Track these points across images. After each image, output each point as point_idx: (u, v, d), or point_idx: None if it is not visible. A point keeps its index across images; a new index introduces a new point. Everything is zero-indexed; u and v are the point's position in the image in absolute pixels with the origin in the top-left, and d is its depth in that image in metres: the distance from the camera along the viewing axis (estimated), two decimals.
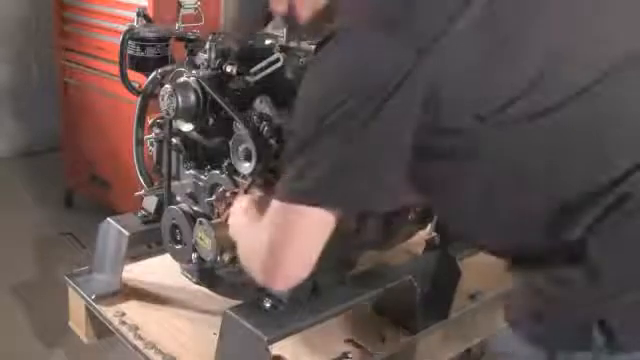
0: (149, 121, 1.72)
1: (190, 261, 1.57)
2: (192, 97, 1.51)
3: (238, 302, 1.51)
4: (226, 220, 1.42)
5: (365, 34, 1.02)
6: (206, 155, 1.62)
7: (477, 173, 1.05)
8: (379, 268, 1.67)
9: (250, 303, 1.44)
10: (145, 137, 1.74)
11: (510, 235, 1.09)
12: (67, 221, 3.64)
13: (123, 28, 1.75)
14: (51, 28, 3.67)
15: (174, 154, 1.68)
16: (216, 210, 1.54)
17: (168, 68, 1.67)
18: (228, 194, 1.51)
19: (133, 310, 1.67)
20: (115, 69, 1.80)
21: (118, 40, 1.73)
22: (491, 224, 1.11)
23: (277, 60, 1.41)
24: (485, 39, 1.01)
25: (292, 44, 1.50)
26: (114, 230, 1.75)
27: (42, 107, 4.28)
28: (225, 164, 1.53)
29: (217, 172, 1.56)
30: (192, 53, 1.60)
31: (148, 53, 1.73)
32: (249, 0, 1.29)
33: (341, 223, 1.10)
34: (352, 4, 1.07)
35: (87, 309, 1.73)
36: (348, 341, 1.58)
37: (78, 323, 1.78)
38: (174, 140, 1.65)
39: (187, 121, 1.54)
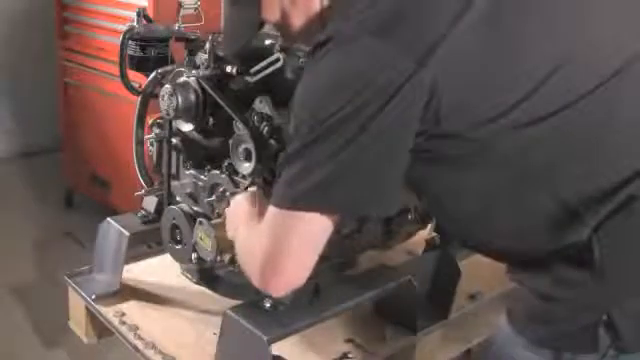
0: (149, 121, 1.72)
1: (190, 261, 1.57)
2: (192, 97, 1.51)
3: (238, 302, 1.51)
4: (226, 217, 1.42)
5: (362, 40, 1.00)
6: (206, 155, 1.62)
7: (478, 178, 1.04)
8: (379, 268, 1.66)
9: (250, 303, 1.44)
10: (145, 137, 1.74)
11: (512, 238, 1.09)
12: (67, 221, 3.65)
13: (123, 28, 1.75)
14: (51, 28, 3.67)
15: (174, 154, 1.68)
16: (216, 210, 1.54)
17: (168, 68, 1.67)
18: (228, 194, 1.51)
19: (133, 310, 1.67)
20: (115, 69, 1.80)
21: (118, 40, 1.73)
22: (493, 228, 1.10)
23: (277, 60, 1.41)
24: (485, 44, 1.01)
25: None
26: (114, 230, 1.75)
27: (42, 107, 4.28)
28: (225, 164, 1.53)
29: (217, 172, 1.56)
30: (192, 53, 1.60)
31: (148, 53, 1.73)
32: (241, 10, 1.27)
33: (340, 225, 1.09)
34: (347, 10, 1.05)
35: (87, 309, 1.72)
36: (348, 341, 1.58)
37: (78, 323, 1.78)
38: (174, 140, 1.65)
39: (187, 121, 1.54)
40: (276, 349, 1.36)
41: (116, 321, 1.63)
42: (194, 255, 1.54)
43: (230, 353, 1.43)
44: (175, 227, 1.61)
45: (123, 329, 1.61)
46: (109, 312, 1.66)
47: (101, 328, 1.72)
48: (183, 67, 1.58)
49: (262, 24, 1.33)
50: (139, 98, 1.73)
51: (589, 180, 1.01)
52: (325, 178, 1.01)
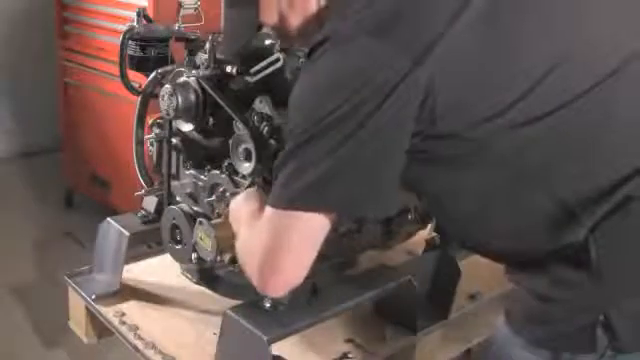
0: (149, 121, 1.72)
1: (190, 261, 1.57)
2: (192, 97, 1.51)
3: (238, 302, 1.51)
4: (226, 219, 1.42)
5: (359, 39, 1.00)
6: (206, 155, 1.62)
7: (474, 178, 1.04)
8: (379, 268, 1.66)
9: (250, 303, 1.44)
10: (145, 137, 1.74)
11: (510, 239, 1.09)
12: (67, 221, 3.65)
13: (123, 28, 1.75)
14: (51, 28, 3.67)
15: (174, 154, 1.68)
16: (216, 210, 1.54)
17: (168, 68, 1.67)
18: (228, 194, 1.51)
19: (133, 310, 1.67)
20: (115, 69, 1.80)
21: (118, 40, 1.73)
22: (490, 228, 1.10)
23: (277, 60, 1.41)
24: (483, 43, 1.01)
25: None
26: (114, 230, 1.75)
27: (42, 107, 4.28)
28: (225, 164, 1.53)
29: (217, 172, 1.56)
30: (192, 53, 1.60)
31: (148, 53, 1.73)
32: (239, 13, 1.27)
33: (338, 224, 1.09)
34: (344, 10, 1.05)
35: (87, 309, 1.72)
36: (348, 341, 1.58)
37: (78, 323, 1.78)
38: (174, 140, 1.65)
39: (187, 121, 1.54)
40: (276, 349, 1.36)
41: (116, 321, 1.63)
42: (194, 255, 1.54)
43: (230, 353, 1.43)
44: (175, 227, 1.61)
45: (123, 329, 1.61)
46: (109, 312, 1.66)
47: (101, 328, 1.72)
48: (183, 67, 1.58)
49: (260, 27, 1.33)
50: (139, 98, 1.73)
51: (585, 180, 1.01)
52: (322, 176, 1.01)
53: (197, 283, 1.70)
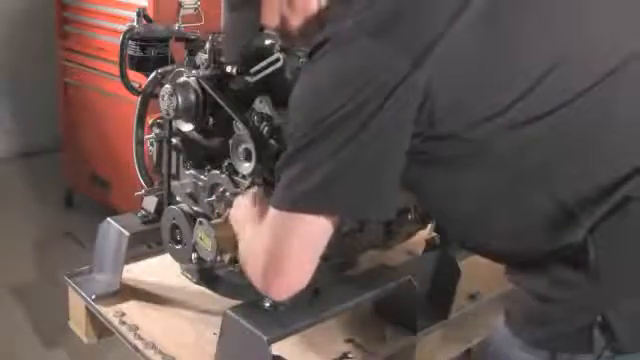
0: (149, 121, 1.72)
1: (190, 261, 1.57)
2: (192, 97, 1.51)
3: (238, 302, 1.51)
4: (226, 219, 1.42)
5: (360, 40, 1.00)
6: (206, 155, 1.62)
7: (474, 178, 1.04)
8: (379, 268, 1.67)
9: (250, 303, 1.44)
10: (145, 137, 1.74)
11: (509, 239, 1.09)
12: (67, 221, 3.65)
13: (123, 28, 1.75)
14: (51, 28, 3.67)
15: (174, 154, 1.68)
16: (216, 210, 1.54)
17: (168, 68, 1.67)
18: (228, 194, 1.51)
19: (133, 310, 1.67)
20: (115, 69, 1.80)
21: (118, 40, 1.73)
22: (489, 229, 1.10)
23: (277, 60, 1.41)
24: (483, 42, 1.01)
25: None
26: (114, 230, 1.75)
27: (42, 107, 4.28)
28: (225, 164, 1.53)
29: (217, 172, 1.56)
30: (192, 53, 1.60)
31: (148, 53, 1.73)
32: (241, 16, 1.27)
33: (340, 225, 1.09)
34: (344, 11, 1.05)
35: (87, 309, 1.73)
36: (348, 341, 1.58)
37: (78, 323, 1.78)
38: (174, 140, 1.65)
39: (187, 121, 1.54)
40: (276, 349, 1.36)
41: (116, 321, 1.63)
42: (194, 255, 1.54)
43: (230, 353, 1.43)
44: (175, 227, 1.61)
45: (123, 329, 1.61)
46: (109, 312, 1.66)
47: (101, 328, 1.72)
48: (183, 67, 1.58)
49: (261, 29, 1.33)
50: (139, 98, 1.73)
51: (585, 180, 1.01)
52: (325, 178, 1.01)
53: (197, 283, 1.70)
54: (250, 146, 1.45)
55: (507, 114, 0.99)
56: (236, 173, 1.51)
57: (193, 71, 1.54)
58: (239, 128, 1.47)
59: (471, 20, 0.99)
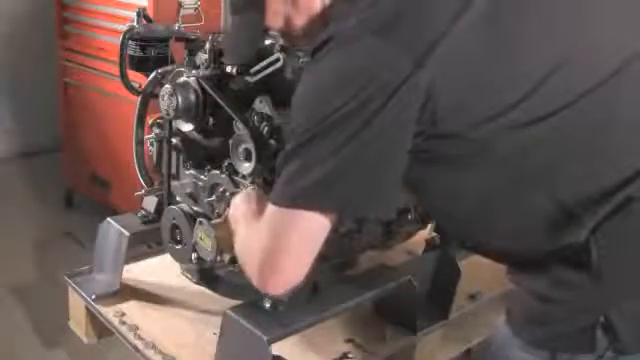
0: (149, 121, 1.72)
1: (190, 261, 1.57)
2: (192, 97, 1.51)
3: (238, 302, 1.51)
4: (226, 219, 1.42)
5: (363, 39, 1.00)
6: (206, 155, 1.62)
7: (476, 178, 1.04)
8: (379, 268, 1.67)
9: (250, 303, 1.44)
10: (145, 137, 1.74)
11: (510, 239, 1.09)
12: (67, 221, 3.65)
13: (123, 28, 1.75)
14: (51, 28, 3.67)
15: (174, 154, 1.68)
16: (216, 210, 1.54)
17: (168, 68, 1.67)
18: (228, 194, 1.51)
19: (133, 310, 1.67)
20: (115, 69, 1.80)
21: (118, 40, 1.73)
22: (491, 229, 1.10)
23: (277, 60, 1.41)
24: (485, 43, 1.01)
25: None
26: (114, 230, 1.75)
27: (42, 107, 4.28)
28: (225, 164, 1.53)
29: (217, 172, 1.56)
30: (192, 53, 1.60)
31: (148, 53, 1.73)
32: (246, 19, 1.27)
33: (339, 224, 1.09)
34: (348, 9, 1.05)
35: (87, 309, 1.73)
36: (348, 341, 1.58)
37: (78, 323, 1.78)
38: (174, 140, 1.65)
39: (187, 121, 1.54)
40: (276, 349, 1.36)
41: (116, 321, 1.63)
42: (194, 255, 1.54)
43: (230, 353, 1.43)
44: (175, 227, 1.61)
45: (123, 329, 1.61)
46: (109, 312, 1.66)
47: (101, 328, 1.72)
48: (183, 67, 1.58)
49: (265, 31, 1.33)
50: (139, 98, 1.73)
51: (588, 181, 1.01)
52: (325, 176, 1.01)
53: (197, 283, 1.70)
54: (250, 146, 1.45)
55: (510, 114, 0.99)
56: (236, 173, 1.51)
57: (193, 71, 1.54)
58: (239, 128, 1.47)
59: (473, 20, 1.00)
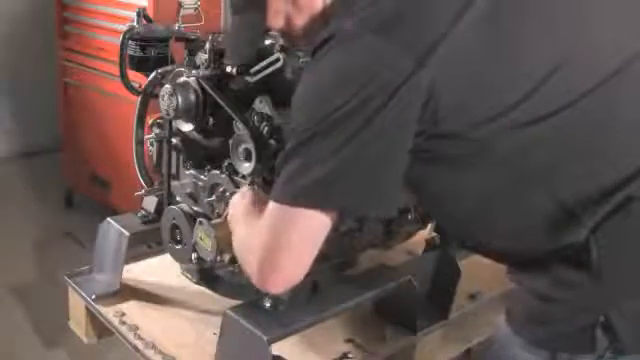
0: (149, 121, 1.72)
1: (190, 261, 1.57)
2: (192, 97, 1.51)
3: (238, 302, 1.51)
4: (226, 219, 1.42)
5: (364, 37, 1.00)
6: (206, 155, 1.62)
7: (476, 178, 1.04)
8: (379, 268, 1.66)
9: (250, 303, 1.44)
10: (145, 137, 1.74)
11: (510, 239, 1.09)
12: (67, 221, 3.65)
13: (123, 28, 1.75)
14: (51, 28, 3.67)
15: (174, 154, 1.68)
16: (216, 210, 1.54)
17: (168, 68, 1.67)
18: (228, 194, 1.51)
19: (133, 310, 1.67)
20: (115, 69, 1.80)
21: (118, 40, 1.73)
22: (491, 228, 1.10)
23: (277, 60, 1.41)
24: (486, 43, 1.01)
25: None
26: (114, 230, 1.75)
27: (42, 107, 4.28)
28: (225, 164, 1.53)
29: (217, 172, 1.56)
30: (192, 53, 1.60)
31: (148, 53, 1.73)
32: (247, 18, 1.27)
33: (339, 223, 1.09)
34: (349, 7, 1.05)
35: (87, 309, 1.73)
36: (348, 341, 1.58)
37: (78, 323, 1.78)
38: (174, 140, 1.65)
39: (187, 121, 1.55)
40: (276, 349, 1.36)
41: (116, 321, 1.63)
42: (194, 255, 1.54)
43: (230, 353, 1.43)
44: (175, 227, 1.61)
45: (123, 329, 1.61)
46: (109, 312, 1.66)
47: (101, 328, 1.72)
48: (183, 67, 1.58)
49: (266, 31, 1.33)
50: (139, 98, 1.73)
51: (588, 180, 1.01)
52: (326, 175, 1.01)
53: (197, 283, 1.70)
54: (250, 146, 1.45)
55: (510, 114, 0.99)
56: (236, 173, 1.51)
57: (193, 71, 1.54)
58: (239, 128, 1.47)
59: (474, 20, 1.00)
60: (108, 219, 1.78)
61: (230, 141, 1.50)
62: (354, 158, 1.00)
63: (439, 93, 0.97)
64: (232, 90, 1.52)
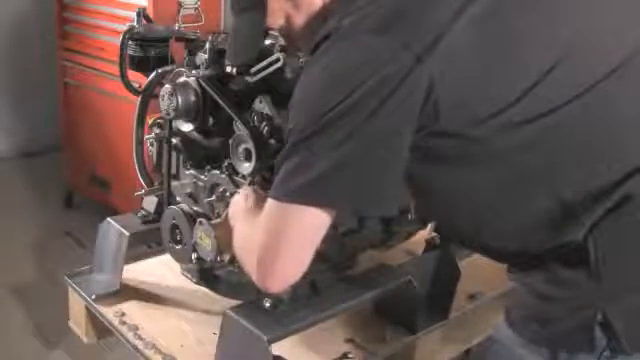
0: (149, 121, 1.72)
1: (190, 261, 1.57)
2: (192, 97, 1.51)
3: (238, 302, 1.51)
4: (226, 219, 1.42)
5: (362, 36, 1.01)
6: (206, 155, 1.62)
7: (476, 177, 1.04)
8: (379, 268, 1.66)
9: (250, 303, 1.44)
10: (145, 137, 1.74)
11: (510, 237, 1.09)
12: (67, 221, 3.65)
13: (123, 28, 1.75)
14: (51, 28, 3.67)
15: (174, 154, 1.68)
16: (216, 210, 1.54)
17: (168, 68, 1.67)
18: (228, 194, 1.51)
19: (133, 310, 1.67)
20: (115, 69, 1.80)
21: (118, 40, 1.73)
22: (490, 227, 1.10)
23: (277, 60, 1.41)
24: (487, 39, 1.01)
25: None
26: (114, 230, 1.75)
27: (42, 107, 4.28)
28: (225, 164, 1.53)
29: (217, 172, 1.56)
30: (192, 53, 1.60)
31: (148, 53, 1.73)
32: (247, 19, 1.27)
33: (339, 223, 1.09)
34: (348, 6, 1.05)
35: (87, 309, 1.73)
36: (348, 341, 1.58)
37: (78, 323, 1.78)
38: (174, 140, 1.65)
39: (187, 121, 1.55)
40: (276, 349, 1.36)
41: (116, 321, 1.63)
42: (194, 255, 1.54)
43: (230, 353, 1.43)
44: (175, 227, 1.61)
45: (123, 329, 1.61)
46: (109, 312, 1.66)
47: (101, 328, 1.72)
48: (183, 67, 1.58)
49: (266, 31, 1.33)
50: (139, 98, 1.73)
51: (588, 178, 1.00)
52: (325, 172, 1.01)
53: (197, 283, 1.70)
54: (250, 146, 1.45)
55: (511, 111, 0.99)
56: (236, 173, 1.51)
57: (193, 71, 1.54)
58: (239, 128, 1.47)
59: (475, 16, 1.00)
60: (108, 219, 1.78)
61: (230, 141, 1.50)
62: (353, 156, 1.00)
63: (439, 89, 0.97)
64: (232, 90, 1.52)
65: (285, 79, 1.43)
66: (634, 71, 1.04)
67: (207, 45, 1.54)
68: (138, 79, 1.78)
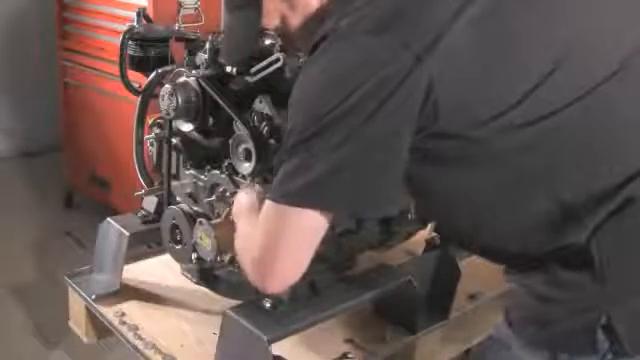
0: (149, 121, 1.72)
1: (190, 261, 1.57)
2: (192, 97, 1.51)
3: (238, 302, 1.51)
4: (226, 219, 1.42)
5: (360, 37, 1.00)
6: (206, 155, 1.62)
7: (476, 178, 1.04)
8: (379, 268, 1.66)
9: (250, 303, 1.44)
10: (145, 137, 1.74)
11: (511, 240, 1.08)
12: (67, 221, 3.64)
13: (123, 28, 1.75)
14: (51, 28, 3.67)
15: (174, 154, 1.68)
16: (216, 210, 1.54)
17: (168, 68, 1.67)
18: (228, 194, 1.51)
19: (133, 310, 1.67)
20: (115, 69, 1.80)
21: (118, 40, 1.73)
22: (490, 229, 1.10)
23: (277, 60, 1.41)
24: (485, 41, 1.01)
25: None
26: (114, 230, 1.75)
27: (42, 107, 4.28)
28: (225, 164, 1.53)
29: (217, 172, 1.56)
30: (192, 53, 1.60)
31: (148, 53, 1.73)
32: (242, 17, 1.27)
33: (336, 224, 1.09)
34: (345, 7, 1.05)
35: (87, 309, 1.73)
36: (348, 341, 1.58)
37: (78, 323, 1.78)
38: (174, 140, 1.65)
39: (187, 121, 1.55)
40: (276, 349, 1.36)
41: (116, 321, 1.63)
42: (194, 255, 1.54)
43: (230, 353, 1.43)
44: (175, 227, 1.61)
45: (123, 329, 1.61)
46: (109, 312, 1.66)
47: (101, 328, 1.72)
48: (183, 67, 1.58)
49: (262, 31, 1.32)
50: (139, 98, 1.73)
51: (589, 181, 1.00)
52: (323, 174, 1.00)
53: (197, 283, 1.70)
54: (250, 146, 1.45)
55: (511, 113, 0.99)
56: (236, 173, 1.51)
57: (193, 71, 1.54)
58: (239, 128, 1.47)
59: (474, 17, 0.99)
60: (108, 219, 1.78)
61: (230, 141, 1.50)
62: (350, 159, 1.00)
63: (439, 90, 0.97)
64: (232, 90, 1.52)
65: (285, 79, 1.43)
66: (634, 73, 1.04)
67: (207, 45, 1.54)
68: (138, 79, 1.78)
